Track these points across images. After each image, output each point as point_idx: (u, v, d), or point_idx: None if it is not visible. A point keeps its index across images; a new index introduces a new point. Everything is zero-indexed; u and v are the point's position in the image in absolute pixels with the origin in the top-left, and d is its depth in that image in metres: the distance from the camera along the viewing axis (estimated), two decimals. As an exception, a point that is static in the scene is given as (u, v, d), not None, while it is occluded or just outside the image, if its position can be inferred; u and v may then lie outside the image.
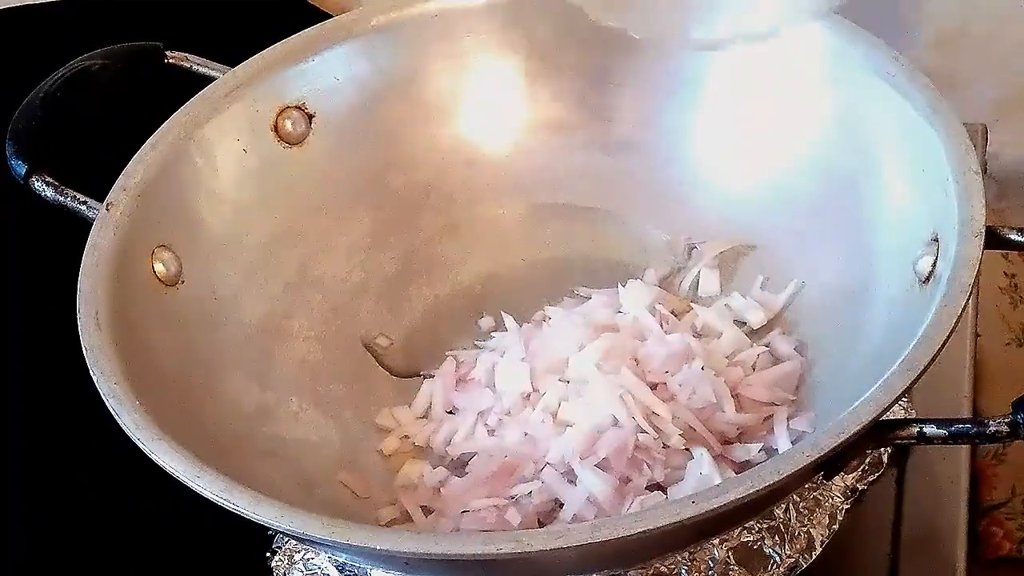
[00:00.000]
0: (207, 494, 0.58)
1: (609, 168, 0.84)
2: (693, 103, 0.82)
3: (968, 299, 0.61)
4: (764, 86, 0.79)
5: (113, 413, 0.61)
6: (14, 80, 0.79)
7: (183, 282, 0.72)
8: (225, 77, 0.77)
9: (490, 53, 0.83)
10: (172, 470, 0.59)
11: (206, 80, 0.78)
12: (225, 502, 0.58)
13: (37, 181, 0.73)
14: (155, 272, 0.70)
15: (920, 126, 0.69)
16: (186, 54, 0.80)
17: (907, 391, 0.58)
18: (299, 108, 0.79)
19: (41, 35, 1.05)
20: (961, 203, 0.65)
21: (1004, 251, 0.85)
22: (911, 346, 0.60)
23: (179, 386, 0.67)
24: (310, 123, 0.79)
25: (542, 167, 0.85)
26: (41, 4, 1.07)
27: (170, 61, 0.80)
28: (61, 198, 0.72)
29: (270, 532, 0.75)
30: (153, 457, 0.60)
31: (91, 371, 0.63)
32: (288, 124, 0.79)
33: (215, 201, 0.76)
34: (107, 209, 0.70)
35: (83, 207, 0.72)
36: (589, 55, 0.83)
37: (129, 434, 0.61)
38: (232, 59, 0.79)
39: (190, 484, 0.59)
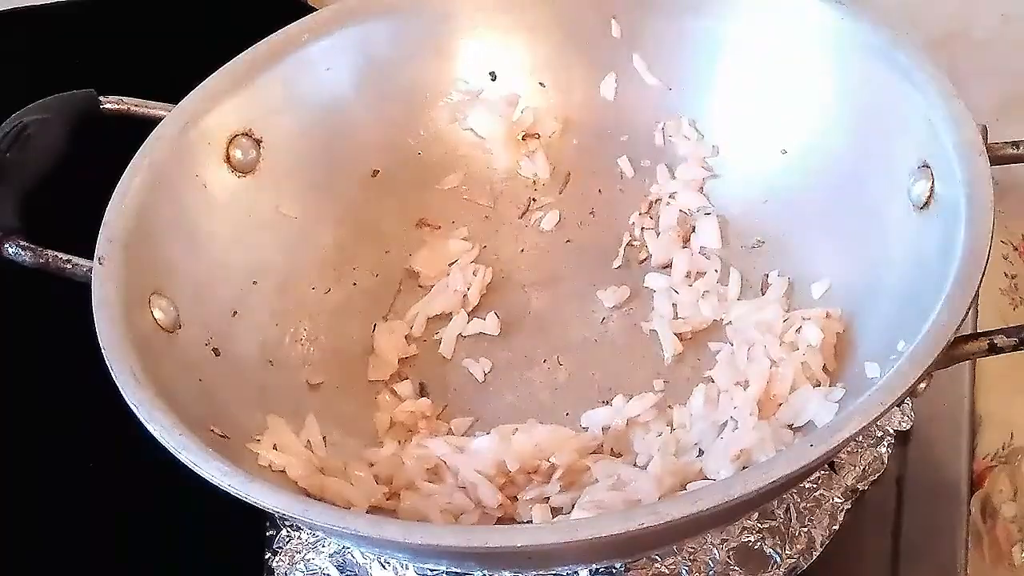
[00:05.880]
0: (235, 491, 0.59)
1: (609, 163, 0.85)
2: (699, 100, 0.83)
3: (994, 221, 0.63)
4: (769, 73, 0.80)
5: (176, 453, 0.61)
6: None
7: (181, 326, 0.71)
8: (173, 113, 0.76)
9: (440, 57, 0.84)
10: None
11: (144, 120, 0.77)
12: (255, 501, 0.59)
13: (12, 247, 0.71)
14: (156, 320, 0.69)
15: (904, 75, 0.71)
16: (121, 97, 0.78)
17: (968, 311, 0.61)
18: (247, 135, 0.78)
19: (40, 35, 1.05)
20: (952, 127, 0.67)
21: (1004, 252, 0.85)
22: (955, 266, 0.61)
23: (197, 422, 0.66)
24: (259, 148, 0.78)
25: (526, 168, 0.86)
26: (42, 4, 1.07)
27: (105, 107, 0.77)
28: (42, 261, 0.71)
29: (270, 533, 0.75)
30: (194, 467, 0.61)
31: (148, 426, 0.62)
32: (238, 153, 0.77)
33: (187, 241, 0.74)
34: (100, 263, 0.69)
35: (67, 266, 0.70)
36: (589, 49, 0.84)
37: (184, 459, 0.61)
38: (228, 56, 0.79)
39: (216, 480, 0.60)
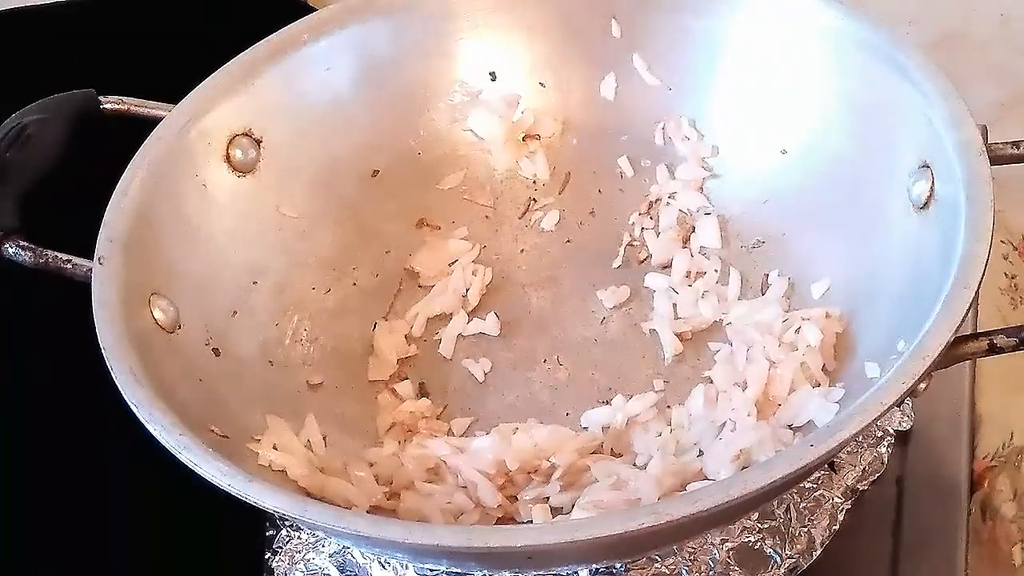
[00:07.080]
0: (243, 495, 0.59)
1: (609, 163, 0.85)
2: (699, 100, 0.83)
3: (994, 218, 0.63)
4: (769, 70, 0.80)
5: (176, 453, 0.61)
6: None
7: (181, 326, 0.71)
8: (173, 113, 0.76)
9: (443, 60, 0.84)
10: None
11: (145, 120, 0.77)
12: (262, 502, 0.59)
13: (12, 247, 0.71)
14: (156, 320, 0.69)
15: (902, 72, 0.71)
16: (121, 97, 0.78)
17: (968, 311, 0.60)
18: (247, 135, 0.78)
19: (40, 35, 1.05)
20: (952, 127, 0.67)
21: (1004, 252, 0.85)
22: (955, 266, 0.61)
23: (197, 422, 0.66)
24: (259, 148, 0.78)
25: (526, 168, 0.86)
26: (42, 4, 1.07)
27: (105, 107, 0.77)
28: (42, 261, 0.71)
29: (270, 533, 0.75)
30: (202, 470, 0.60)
31: (148, 426, 0.62)
32: (238, 153, 0.77)
33: (187, 241, 0.74)
34: (100, 263, 0.69)
35: (67, 266, 0.70)
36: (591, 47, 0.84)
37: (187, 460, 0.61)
38: (228, 56, 0.79)
39: (216, 480, 0.60)
